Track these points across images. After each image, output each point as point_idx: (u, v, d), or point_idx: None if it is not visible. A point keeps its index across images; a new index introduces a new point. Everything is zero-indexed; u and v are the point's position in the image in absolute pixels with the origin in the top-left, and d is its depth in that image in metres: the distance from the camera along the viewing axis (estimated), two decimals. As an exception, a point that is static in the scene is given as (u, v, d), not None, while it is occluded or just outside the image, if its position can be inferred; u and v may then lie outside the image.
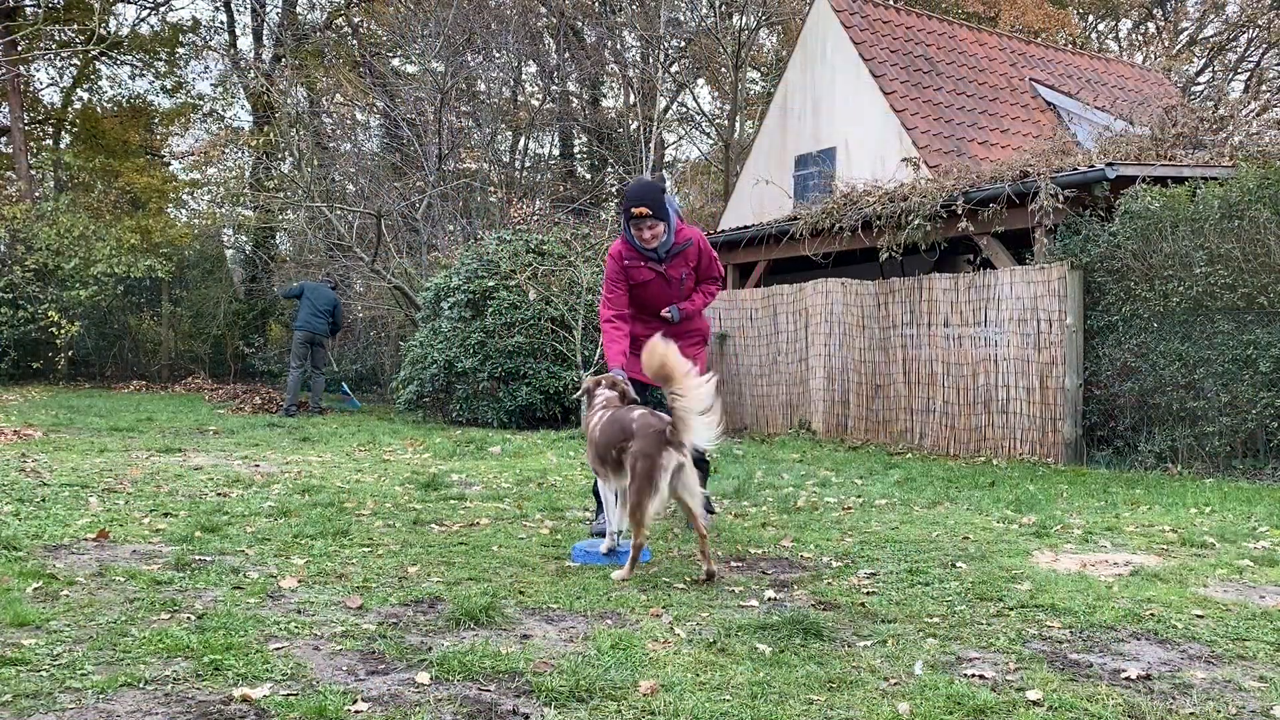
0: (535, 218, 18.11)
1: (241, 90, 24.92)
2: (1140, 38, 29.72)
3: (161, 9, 23.44)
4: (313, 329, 13.81)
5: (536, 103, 23.98)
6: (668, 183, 27.70)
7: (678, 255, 5.39)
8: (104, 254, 18.27)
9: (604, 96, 26.83)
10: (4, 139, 22.48)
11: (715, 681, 2.89)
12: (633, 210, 5.23)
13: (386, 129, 21.11)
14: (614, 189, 25.82)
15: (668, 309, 5.44)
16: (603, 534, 5.03)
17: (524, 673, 2.93)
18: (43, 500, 5.60)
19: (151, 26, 23.50)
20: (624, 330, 5.38)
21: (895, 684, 2.90)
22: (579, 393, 5.11)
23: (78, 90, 23.71)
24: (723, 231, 14.12)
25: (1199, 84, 26.99)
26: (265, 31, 24.88)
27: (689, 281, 5.46)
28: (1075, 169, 9.09)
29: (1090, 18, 28.36)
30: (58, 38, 21.79)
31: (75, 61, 22.81)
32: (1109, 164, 8.86)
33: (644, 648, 3.17)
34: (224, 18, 26.02)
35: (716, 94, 27.52)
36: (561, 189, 23.22)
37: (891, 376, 10.39)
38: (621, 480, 4.30)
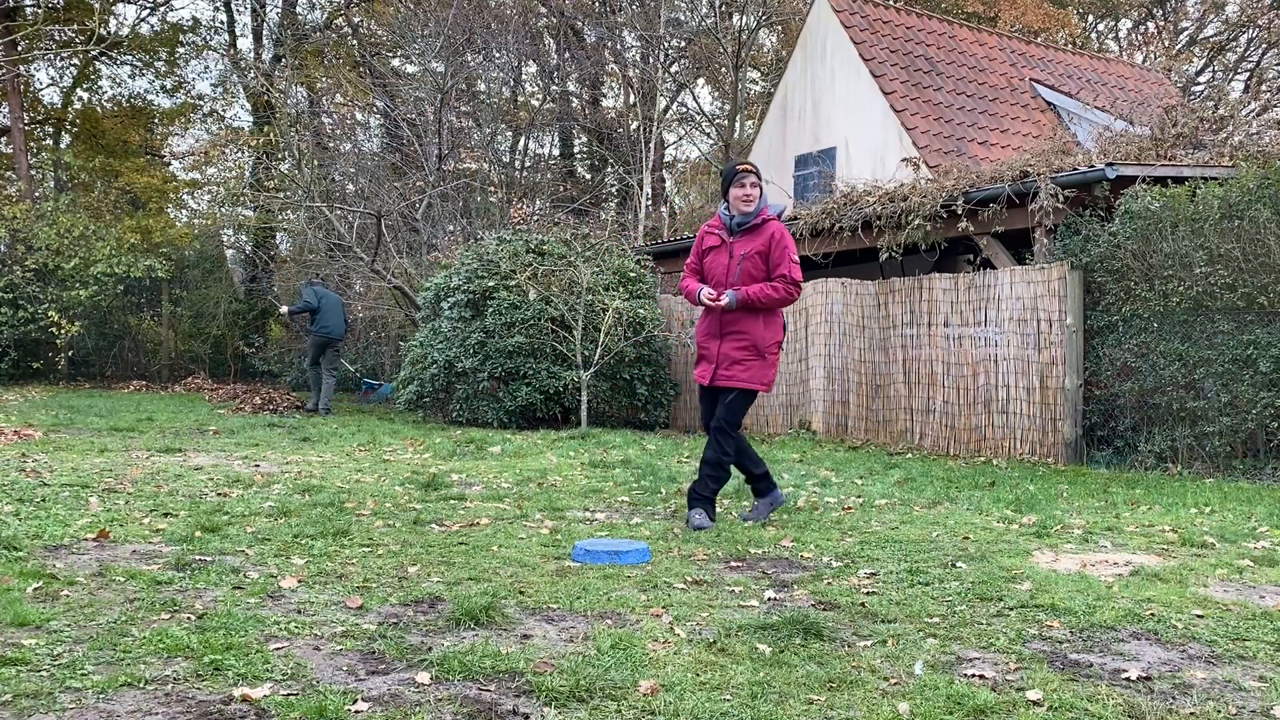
0: (535, 218, 18.12)
1: (241, 90, 24.94)
2: (1140, 38, 29.72)
3: (161, 9, 23.45)
4: (339, 333, 13.92)
5: (536, 103, 23.98)
6: (668, 181, 27.72)
7: (747, 231, 5.44)
8: (104, 254, 18.28)
9: (604, 96, 26.83)
10: (4, 139, 22.48)
11: (715, 681, 2.89)
12: (738, 167, 5.42)
13: (386, 129, 21.11)
14: (614, 189, 25.83)
15: (726, 293, 5.37)
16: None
17: (524, 673, 2.93)
18: (43, 500, 5.60)
19: (151, 26, 23.52)
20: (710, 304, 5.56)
21: (895, 684, 2.90)
22: None
23: (78, 90, 23.72)
24: (723, 231, 14.10)
25: (1199, 84, 27.00)
26: (265, 31, 24.88)
27: (750, 265, 5.40)
28: (1075, 169, 9.09)
29: (1090, 18, 28.35)
30: (58, 38, 21.79)
31: (75, 61, 22.82)
32: (1109, 164, 8.86)
33: (644, 648, 3.17)
34: (224, 18, 26.03)
35: (716, 94, 27.53)
36: (561, 189, 23.22)
37: (891, 376, 10.39)
38: None
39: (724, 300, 5.38)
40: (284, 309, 14.78)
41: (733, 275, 5.42)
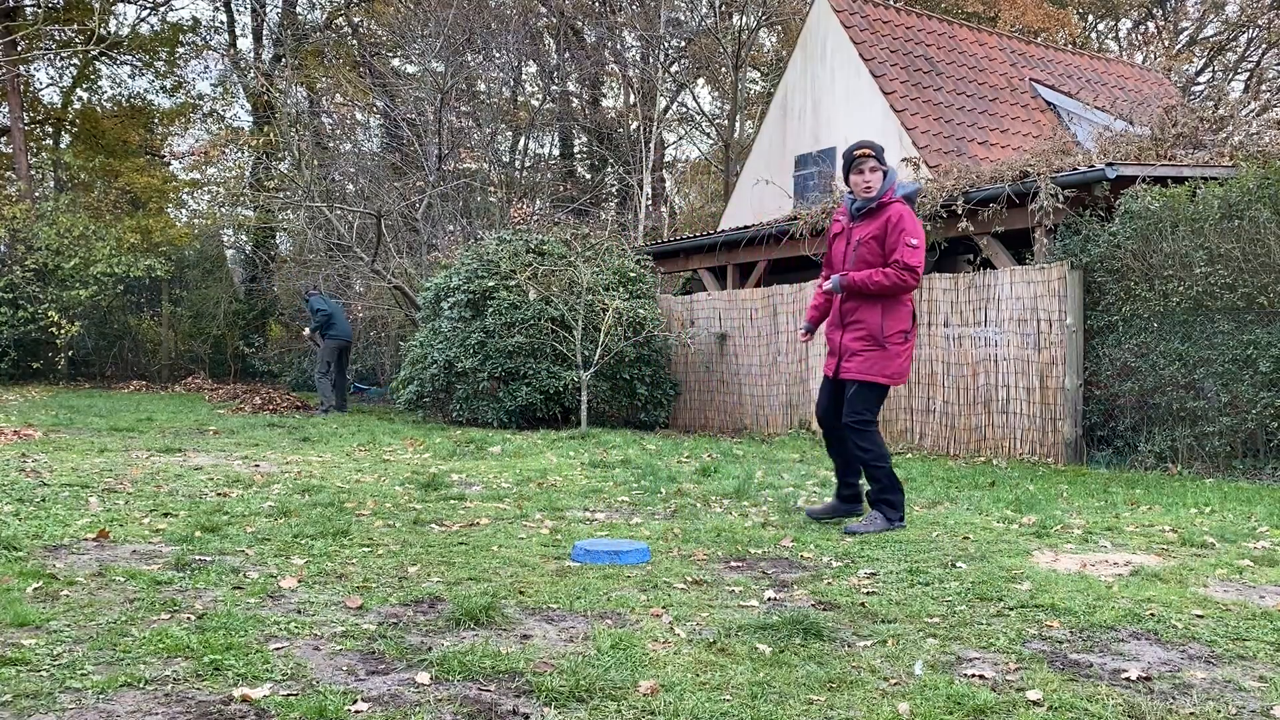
0: (535, 218, 18.12)
1: (241, 90, 24.94)
2: (1140, 38, 29.72)
3: (161, 9, 23.45)
4: (350, 335, 14.85)
5: (536, 103, 23.99)
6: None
7: (867, 214, 5.23)
8: (104, 254, 18.29)
9: (604, 96, 26.84)
10: (4, 139, 22.48)
11: (715, 681, 2.89)
12: (855, 152, 5.21)
13: (386, 129, 21.12)
14: (614, 189, 25.83)
15: (832, 277, 5.26)
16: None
17: (524, 673, 2.93)
18: (43, 500, 5.60)
19: (151, 26, 23.53)
20: (820, 291, 5.52)
21: (895, 684, 2.90)
22: None
23: (78, 90, 23.72)
24: (723, 231, 14.11)
25: (1199, 84, 27.00)
26: (265, 31, 24.90)
27: (865, 250, 5.17)
28: (1075, 169, 9.09)
29: (1090, 18, 28.36)
30: (58, 38, 21.80)
31: (75, 61, 22.82)
32: (1109, 164, 8.86)
33: (644, 648, 3.17)
34: (224, 18, 26.06)
35: (716, 94, 27.53)
36: (561, 189, 23.23)
37: (891, 376, 10.38)
38: None
39: (827, 284, 5.29)
40: (307, 331, 14.93)
41: (848, 262, 5.25)
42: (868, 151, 5.21)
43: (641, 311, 12.02)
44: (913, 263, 5.08)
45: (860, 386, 5.25)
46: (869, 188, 5.19)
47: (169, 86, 24.54)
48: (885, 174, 5.23)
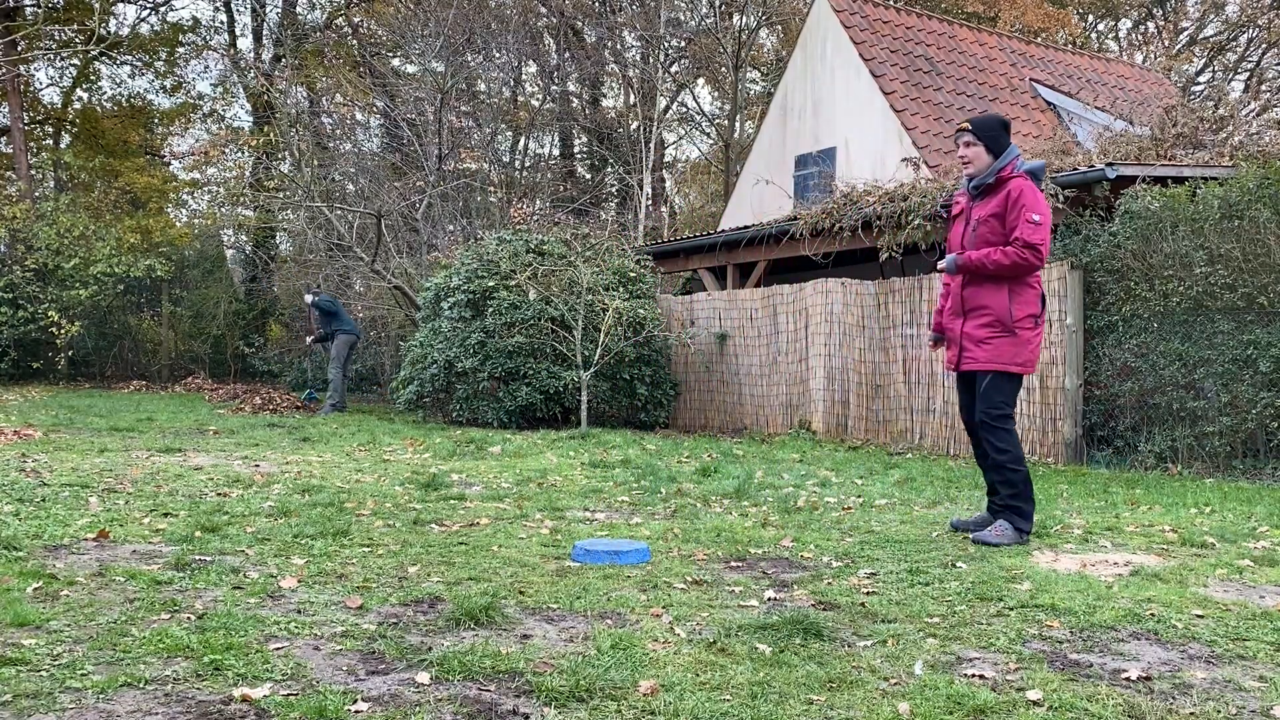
0: (535, 218, 18.11)
1: (241, 90, 24.94)
2: (1140, 38, 29.73)
3: (161, 9, 23.45)
4: (358, 333, 15.12)
5: (536, 103, 24.00)
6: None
7: (985, 192, 4.96)
8: (104, 254, 18.29)
9: (604, 96, 26.84)
10: (4, 139, 22.48)
11: (715, 681, 2.89)
12: (958, 127, 5.03)
13: (386, 129, 21.12)
14: (614, 189, 25.83)
15: (947, 257, 5.01)
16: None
17: (524, 673, 2.93)
18: (43, 500, 5.60)
19: (151, 26, 23.53)
20: (947, 281, 5.18)
21: (895, 684, 2.90)
22: None
23: (78, 90, 23.72)
24: (723, 231, 14.11)
25: (1199, 84, 27.00)
26: (265, 31, 24.89)
27: (986, 230, 4.88)
28: (1075, 169, 9.09)
29: (1090, 18, 28.36)
30: (58, 38, 21.79)
31: (75, 61, 22.82)
32: (1109, 164, 8.86)
33: (644, 648, 3.17)
34: (224, 18, 26.05)
35: (716, 94, 27.53)
36: (561, 189, 23.24)
37: (891, 376, 10.39)
38: None
39: (942, 264, 5.04)
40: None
41: (968, 243, 5.00)
42: (965, 126, 4.98)
43: (641, 311, 12.02)
44: (1035, 240, 4.75)
45: (994, 377, 4.91)
46: (966, 162, 4.99)
47: (169, 86, 24.55)
48: (1001, 150, 4.93)
